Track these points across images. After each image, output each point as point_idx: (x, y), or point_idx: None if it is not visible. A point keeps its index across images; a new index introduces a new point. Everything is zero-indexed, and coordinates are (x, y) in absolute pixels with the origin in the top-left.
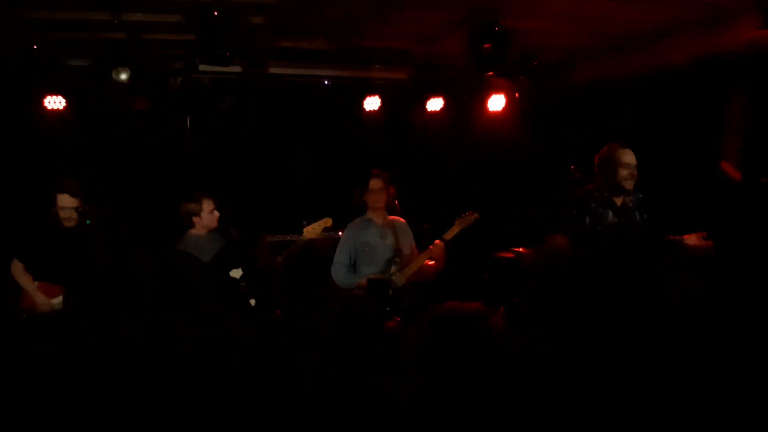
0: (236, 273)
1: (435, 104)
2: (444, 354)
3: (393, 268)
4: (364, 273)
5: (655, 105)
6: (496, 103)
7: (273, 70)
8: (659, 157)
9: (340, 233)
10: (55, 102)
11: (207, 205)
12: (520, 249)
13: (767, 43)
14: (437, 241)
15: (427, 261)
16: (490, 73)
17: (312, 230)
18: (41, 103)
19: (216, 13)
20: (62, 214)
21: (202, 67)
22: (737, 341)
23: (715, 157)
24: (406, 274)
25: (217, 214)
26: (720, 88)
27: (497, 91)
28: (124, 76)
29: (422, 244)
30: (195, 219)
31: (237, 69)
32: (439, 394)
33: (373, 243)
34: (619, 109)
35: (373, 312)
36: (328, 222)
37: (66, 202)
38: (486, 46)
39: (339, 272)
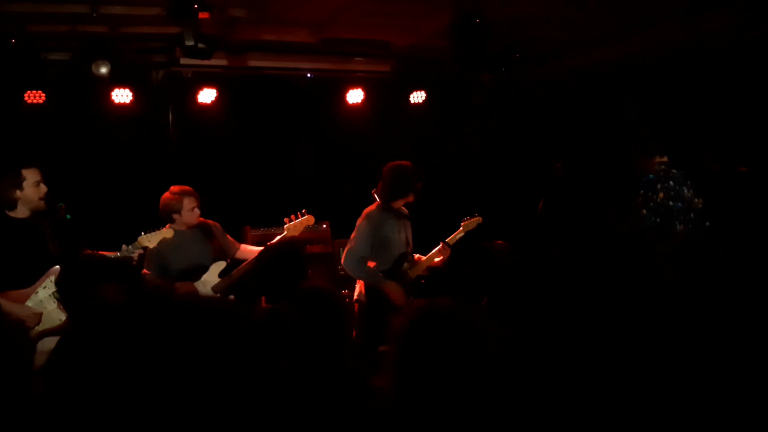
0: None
1: (418, 97)
2: (426, 352)
3: (406, 265)
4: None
5: (640, 94)
6: (477, 95)
7: (255, 63)
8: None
9: (324, 226)
10: (34, 96)
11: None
12: (500, 242)
13: (749, 31)
14: (442, 244)
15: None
16: (472, 66)
17: (294, 227)
18: (21, 98)
19: (196, 6)
20: (30, 193)
21: (184, 61)
22: (734, 334)
23: (699, 144)
24: (417, 271)
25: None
26: (704, 75)
27: (479, 83)
28: (104, 70)
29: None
30: None
31: (219, 62)
32: (423, 389)
33: (391, 237)
34: (602, 100)
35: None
36: (310, 221)
37: (37, 175)
38: (468, 38)
39: (362, 265)
